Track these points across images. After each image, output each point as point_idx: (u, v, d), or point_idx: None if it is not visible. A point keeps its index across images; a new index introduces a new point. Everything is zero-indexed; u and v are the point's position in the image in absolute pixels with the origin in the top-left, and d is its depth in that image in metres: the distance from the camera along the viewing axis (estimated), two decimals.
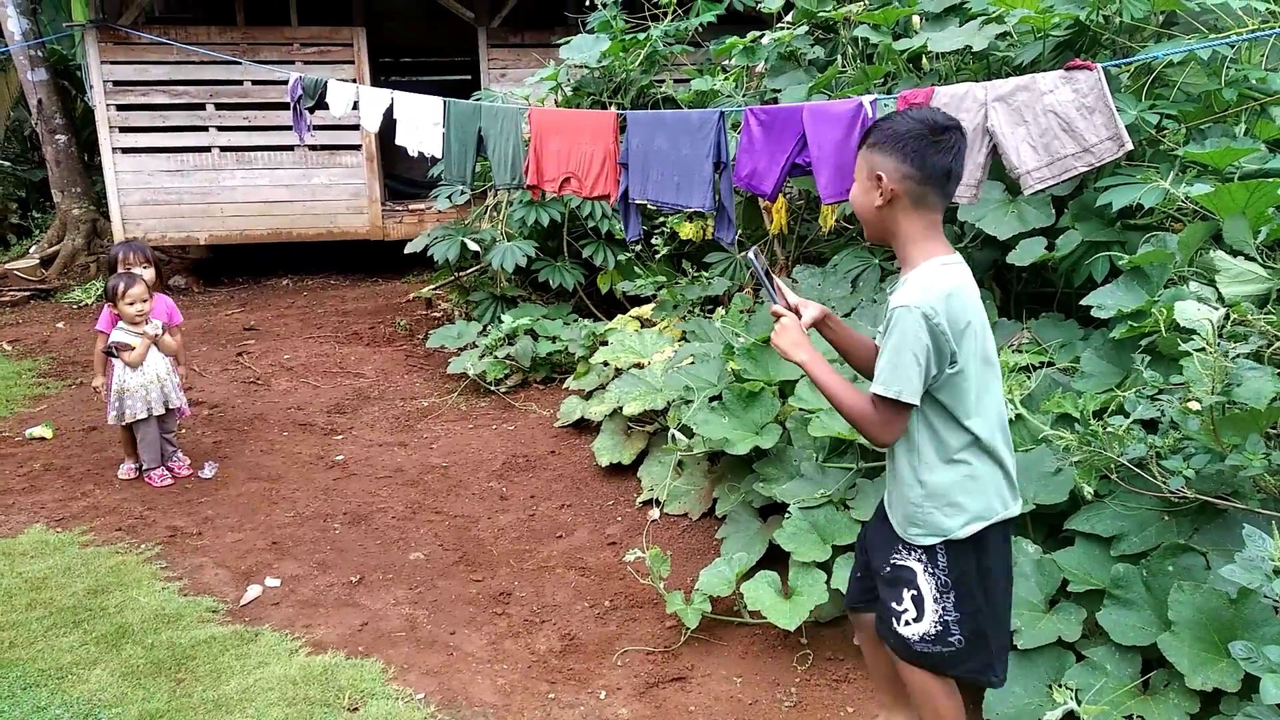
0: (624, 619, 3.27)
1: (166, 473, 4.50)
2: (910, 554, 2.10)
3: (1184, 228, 3.22)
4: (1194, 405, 2.46)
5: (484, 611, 3.34)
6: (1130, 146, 3.00)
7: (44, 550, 3.76)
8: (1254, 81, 3.56)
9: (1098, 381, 3.11)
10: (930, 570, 2.07)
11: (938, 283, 1.93)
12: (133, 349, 4.35)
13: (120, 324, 4.39)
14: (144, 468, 4.49)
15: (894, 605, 2.13)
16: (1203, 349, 2.39)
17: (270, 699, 2.79)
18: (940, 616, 2.06)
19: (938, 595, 2.06)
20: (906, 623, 2.10)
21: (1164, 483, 2.47)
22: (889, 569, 2.15)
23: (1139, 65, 3.67)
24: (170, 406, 4.48)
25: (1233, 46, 3.56)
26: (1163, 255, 3.12)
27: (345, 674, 2.93)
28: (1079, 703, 2.25)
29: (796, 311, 2.16)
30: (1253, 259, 2.94)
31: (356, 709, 2.76)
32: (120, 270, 4.50)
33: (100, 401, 4.74)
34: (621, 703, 2.81)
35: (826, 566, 3.02)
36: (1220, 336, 2.51)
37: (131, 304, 4.31)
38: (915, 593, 2.08)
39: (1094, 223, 3.63)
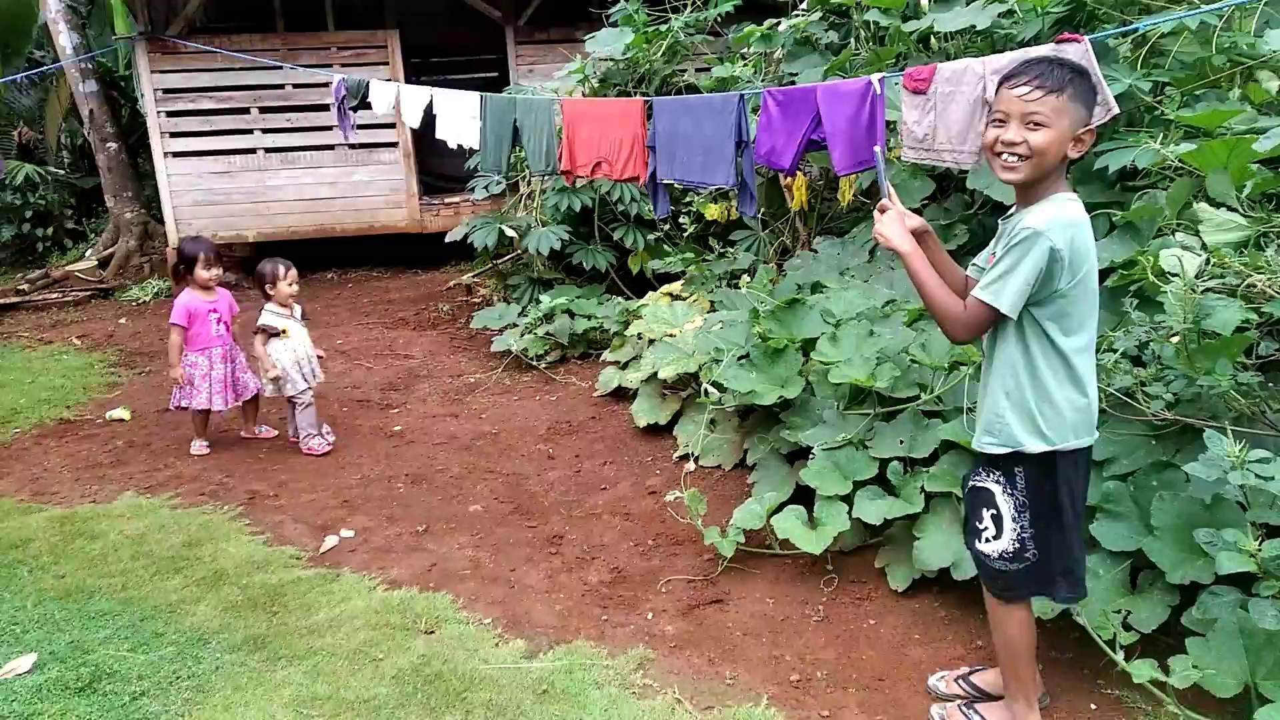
0: (666, 554, 3.60)
1: (324, 441, 4.90)
2: (988, 476, 2.27)
3: None
4: (1175, 340, 2.75)
5: (540, 552, 3.69)
6: (1117, 111, 3.26)
7: (138, 513, 4.15)
8: (1244, 47, 3.81)
9: (1097, 327, 3.39)
10: (1009, 491, 2.24)
11: (1067, 214, 2.09)
12: (282, 331, 4.78)
13: (267, 307, 4.82)
14: (302, 436, 4.86)
15: (976, 524, 2.33)
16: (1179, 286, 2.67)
17: (356, 625, 3.16)
18: (1018, 534, 2.24)
19: (1015, 515, 2.23)
20: (987, 540, 2.30)
21: (1147, 407, 2.76)
22: (969, 489, 2.36)
23: (1136, 36, 3.92)
24: (319, 379, 4.93)
25: (1221, 16, 3.81)
26: (1152, 210, 3.39)
27: (420, 605, 3.29)
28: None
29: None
30: (1234, 209, 3.21)
31: (433, 632, 3.12)
32: (200, 265, 4.86)
33: (167, 389, 5.12)
34: (667, 621, 3.14)
35: (848, 499, 3.33)
36: (1200, 278, 2.79)
37: (291, 285, 4.79)
38: (995, 512, 2.26)
39: (1095, 185, 3.89)
